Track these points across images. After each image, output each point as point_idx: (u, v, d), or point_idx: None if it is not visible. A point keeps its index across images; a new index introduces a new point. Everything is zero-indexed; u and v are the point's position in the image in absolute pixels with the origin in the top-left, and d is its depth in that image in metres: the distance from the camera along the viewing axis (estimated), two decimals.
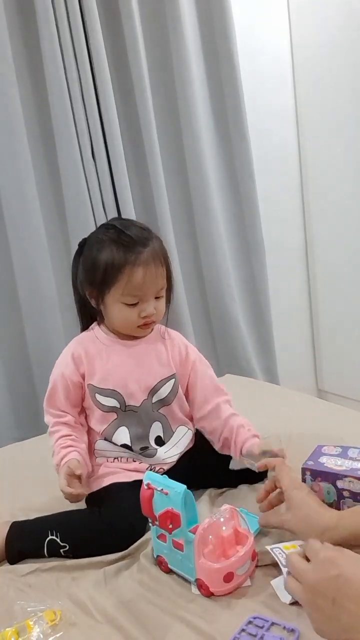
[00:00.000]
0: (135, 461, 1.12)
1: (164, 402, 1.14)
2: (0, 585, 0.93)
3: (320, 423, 1.41)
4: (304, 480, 0.94)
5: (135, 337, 1.14)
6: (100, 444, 1.12)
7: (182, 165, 2.03)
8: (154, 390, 1.13)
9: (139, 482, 1.08)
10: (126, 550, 0.96)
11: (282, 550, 0.80)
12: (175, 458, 1.15)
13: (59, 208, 1.85)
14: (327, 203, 2.32)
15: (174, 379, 1.16)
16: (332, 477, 0.91)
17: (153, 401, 1.13)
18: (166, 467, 1.13)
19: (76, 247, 1.14)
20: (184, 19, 1.90)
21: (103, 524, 0.98)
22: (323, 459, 0.95)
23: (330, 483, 0.91)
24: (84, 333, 1.17)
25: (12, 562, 0.99)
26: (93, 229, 1.83)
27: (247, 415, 1.26)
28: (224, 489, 1.14)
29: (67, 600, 0.86)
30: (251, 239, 2.17)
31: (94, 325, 1.17)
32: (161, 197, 1.95)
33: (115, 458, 1.12)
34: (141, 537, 0.99)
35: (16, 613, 0.83)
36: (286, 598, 0.76)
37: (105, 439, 1.12)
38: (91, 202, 1.84)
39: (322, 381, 2.59)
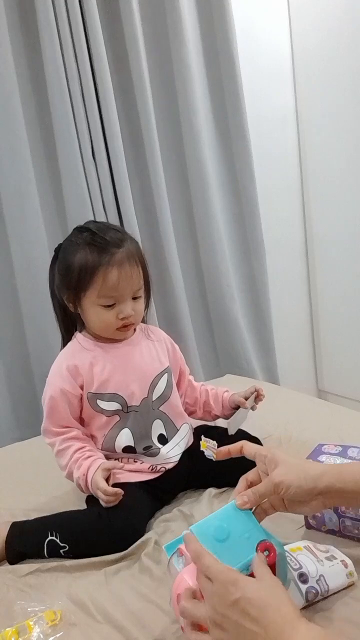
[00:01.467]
0: (136, 461, 1.12)
1: (163, 398, 1.15)
2: (0, 585, 0.93)
3: (320, 423, 1.41)
4: None
5: (118, 341, 1.14)
6: (102, 452, 1.12)
7: (182, 165, 2.03)
8: (152, 386, 1.13)
9: (140, 482, 1.09)
10: (126, 551, 0.96)
11: (289, 554, 0.79)
12: (178, 457, 1.15)
13: (59, 208, 1.85)
14: (327, 203, 2.32)
15: (167, 373, 1.17)
16: None
17: (153, 399, 1.13)
18: (168, 466, 1.13)
19: None
20: (184, 19, 1.90)
21: (103, 525, 0.98)
22: (322, 458, 0.95)
23: None
24: (68, 345, 1.16)
25: (12, 563, 0.99)
26: None
27: (248, 416, 1.27)
28: (224, 489, 1.14)
29: (67, 600, 0.86)
30: (251, 239, 2.17)
31: (75, 334, 1.16)
32: (161, 197, 1.95)
33: (116, 459, 1.12)
34: (141, 537, 0.99)
35: (16, 613, 0.83)
36: (299, 602, 0.75)
37: (107, 447, 1.12)
38: (91, 202, 1.84)
39: (322, 381, 2.59)
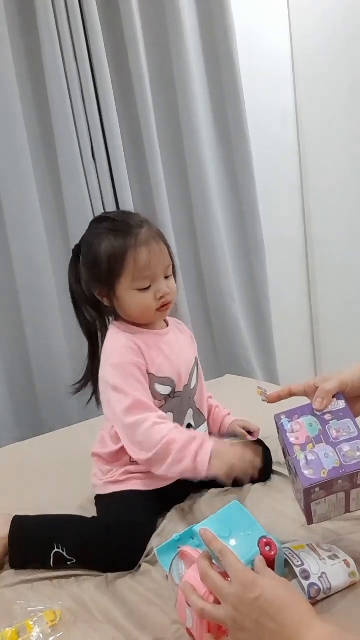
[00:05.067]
0: None
1: (195, 388, 1.14)
2: (0, 585, 0.92)
3: None
4: (281, 427, 0.83)
5: (155, 329, 1.11)
6: None
7: (182, 165, 2.03)
8: (191, 375, 1.13)
9: (155, 491, 1.05)
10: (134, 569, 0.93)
11: (292, 551, 0.79)
12: None
13: (59, 208, 1.85)
14: (327, 202, 2.32)
15: (197, 365, 1.17)
16: (308, 407, 0.83)
17: (191, 387, 1.12)
18: None
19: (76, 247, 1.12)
20: (184, 19, 1.90)
21: (111, 541, 0.94)
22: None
23: (309, 414, 0.82)
24: (112, 334, 1.09)
25: (15, 568, 0.96)
26: None
27: (247, 415, 1.27)
28: (224, 489, 1.13)
29: (68, 600, 0.85)
30: (251, 238, 2.17)
31: (112, 324, 1.11)
32: (161, 198, 1.95)
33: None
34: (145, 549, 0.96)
35: (16, 613, 0.83)
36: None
37: None
38: (91, 202, 1.84)
39: None
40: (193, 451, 0.95)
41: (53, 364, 1.81)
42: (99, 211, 1.86)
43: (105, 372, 1.04)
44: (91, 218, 1.79)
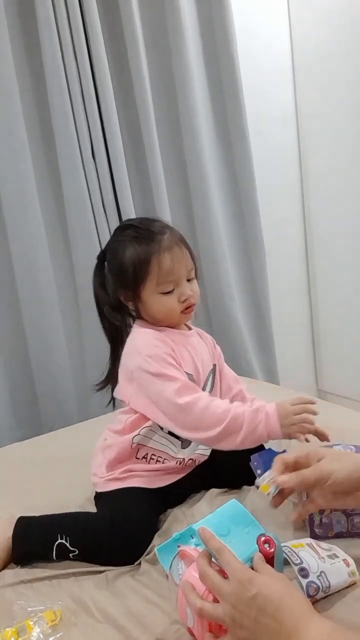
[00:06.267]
0: (165, 461, 1.09)
1: (211, 393, 1.15)
2: (0, 585, 0.92)
3: (320, 423, 1.41)
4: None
5: (179, 328, 1.13)
6: (145, 431, 1.07)
7: (182, 165, 2.03)
8: (207, 380, 1.14)
9: (157, 490, 1.06)
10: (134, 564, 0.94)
11: (291, 549, 0.79)
12: (208, 452, 1.14)
13: (59, 208, 1.85)
14: (327, 203, 2.32)
15: (213, 373, 1.18)
16: None
17: (205, 391, 1.13)
18: (197, 459, 1.12)
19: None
20: (184, 19, 1.90)
21: (115, 534, 0.95)
22: None
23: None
24: (137, 331, 1.11)
25: (19, 563, 0.97)
26: (93, 229, 1.84)
27: None
28: (224, 489, 1.14)
29: (68, 600, 0.85)
30: (251, 239, 2.17)
31: (135, 323, 1.13)
32: (161, 197, 1.95)
33: (144, 457, 1.09)
34: (148, 546, 0.97)
35: (16, 613, 0.83)
36: None
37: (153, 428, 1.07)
38: (91, 202, 1.84)
39: (322, 381, 2.59)
40: (262, 417, 0.98)
41: (53, 364, 1.81)
42: (99, 211, 1.86)
43: (142, 362, 1.04)
44: (91, 218, 1.83)
